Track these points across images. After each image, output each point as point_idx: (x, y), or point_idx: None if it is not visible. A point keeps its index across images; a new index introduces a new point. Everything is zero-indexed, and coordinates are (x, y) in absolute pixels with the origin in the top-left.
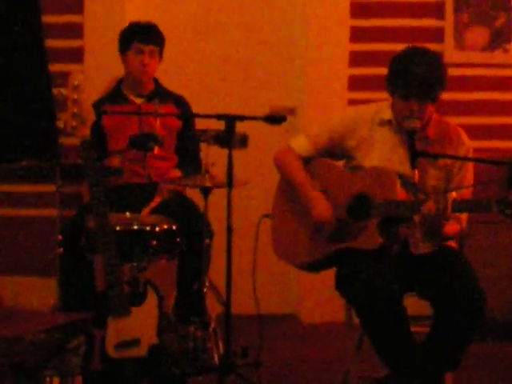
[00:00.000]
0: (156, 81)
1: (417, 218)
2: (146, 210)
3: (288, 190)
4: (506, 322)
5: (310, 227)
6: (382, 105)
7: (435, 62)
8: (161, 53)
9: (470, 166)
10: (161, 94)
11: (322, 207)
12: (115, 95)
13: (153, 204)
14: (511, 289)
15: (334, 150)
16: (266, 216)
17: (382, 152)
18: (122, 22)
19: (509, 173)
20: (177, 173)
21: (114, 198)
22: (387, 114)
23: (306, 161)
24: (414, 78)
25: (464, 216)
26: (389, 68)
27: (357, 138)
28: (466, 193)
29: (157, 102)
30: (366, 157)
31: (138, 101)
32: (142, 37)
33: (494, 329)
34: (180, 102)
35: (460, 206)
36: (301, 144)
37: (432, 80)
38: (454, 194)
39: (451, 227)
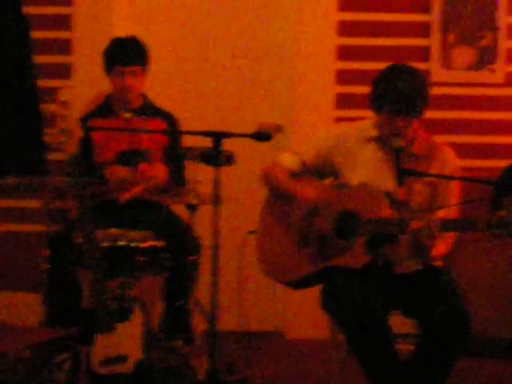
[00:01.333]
0: (145, 97)
1: (403, 236)
2: (125, 195)
3: (275, 205)
4: (492, 338)
5: (299, 233)
6: (366, 122)
7: (416, 78)
8: (145, 69)
9: (457, 183)
10: (149, 109)
11: (305, 190)
12: (104, 109)
13: (134, 190)
14: (497, 305)
15: (321, 167)
16: (252, 232)
17: (368, 169)
18: (110, 37)
19: (494, 192)
20: (161, 168)
21: (99, 214)
22: (372, 131)
23: (293, 176)
24: (396, 94)
25: (451, 234)
26: (372, 87)
27: (343, 154)
28: (453, 211)
29: (143, 118)
30: (352, 174)
31: (127, 115)
32: (121, 59)
33: (480, 345)
34: (169, 118)
35: (447, 225)
36: (288, 159)
37: (414, 95)
38: (440, 213)
39: (437, 249)
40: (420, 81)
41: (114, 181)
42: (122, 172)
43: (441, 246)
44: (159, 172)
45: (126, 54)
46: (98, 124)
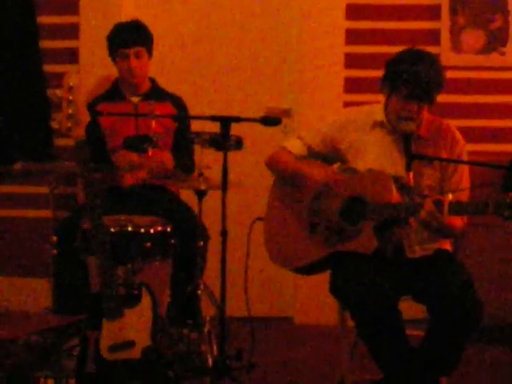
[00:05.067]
0: (153, 81)
1: (413, 221)
2: (128, 180)
3: (283, 190)
4: (497, 326)
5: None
6: (373, 107)
7: (436, 65)
8: (149, 50)
9: (465, 166)
10: (157, 93)
11: (314, 171)
12: (112, 93)
13: (138, 175)
14: (504, 292)
15: (327, 152)
16: (259, 219)
17: (375, 154)
18: (117, 22)
19: (505, 176)
20: (168, 156)
21: (108, 200)
22: (379, 116)
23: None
24: (417, 79)
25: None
26: (389, 66)
27: (348, 140)
28: (463, 195)
29: (152, 102)
30: (358, 159)
31: (135, 99)
32: (124, 41)
33: (488, 332)
34: (177, 102)
35: (456, 207)
36: (294, 144)
37: (434, 83)
38: (450, 195)
39: (455, 220)
40: (440, 69)
41: (122, 166)
42: (129, 156)
43: (459, 222)
44: (166, 159)
45: (128, 36)
46: (106, 109)
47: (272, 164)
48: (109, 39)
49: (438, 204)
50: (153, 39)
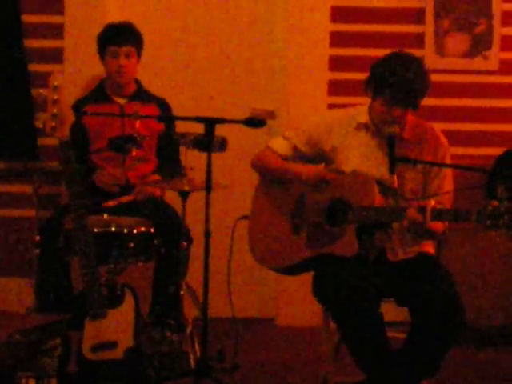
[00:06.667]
0: (138, 82)
1: (395, 224)
2: (110, 202)
3: (267, 191)
4: (482, 328)
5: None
6: (358, 109)
7: (422, 71)
8: (139, 52)
9: (449, 169)
10: (143, 95)
11: (308, 168)
12: (98, 95)
13: (122, 200)
14: (488, 295)
15: (312, 153)
16: (243, 218)
17: (359, 156)
18: (102, 22)
19: (487, 181)
20: (156, 178)
21: (91, 200)
22: (364, 118)
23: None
24: (401, 85)
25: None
26: (373, 71)
27: (332, 142)
28: (446, 198)
29: (138, 104)
30: (343, 161)
31: (121, 101)
32: (115, 39)
33: (470, 335)
34: (162, 104)
35: (439, 214)
36: (279, 144)
37: (418, 89)
38: (432, 202)
39: (437, 224)
40: (424, 74)
41: (107, 183)
42: (111, 175)
43: (439, 225)
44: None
45: (120, 34)
46: (92, 110)
47: (258, 163)
48: (100, 37)
49: (421, 211)
50: (143, 42)
